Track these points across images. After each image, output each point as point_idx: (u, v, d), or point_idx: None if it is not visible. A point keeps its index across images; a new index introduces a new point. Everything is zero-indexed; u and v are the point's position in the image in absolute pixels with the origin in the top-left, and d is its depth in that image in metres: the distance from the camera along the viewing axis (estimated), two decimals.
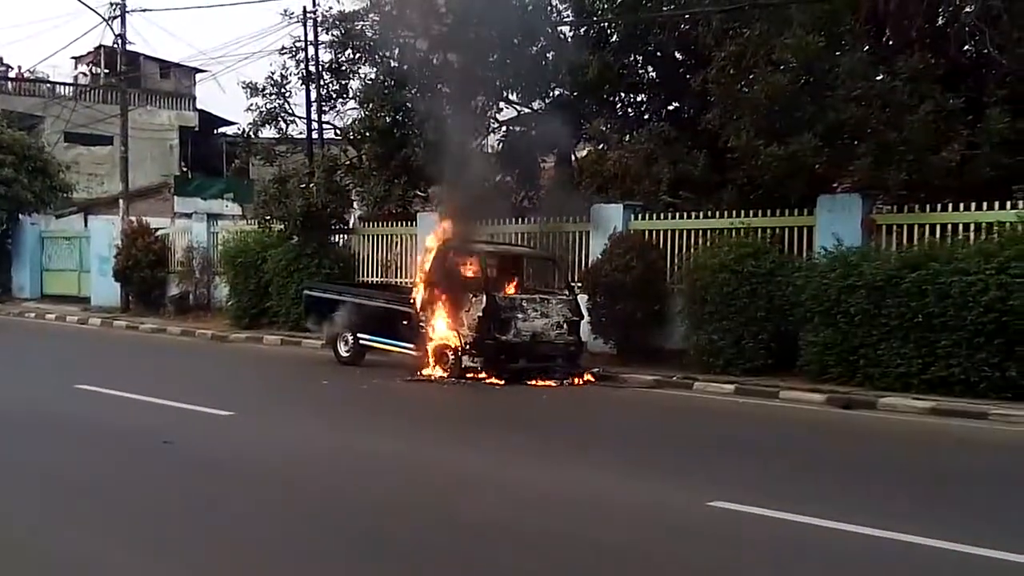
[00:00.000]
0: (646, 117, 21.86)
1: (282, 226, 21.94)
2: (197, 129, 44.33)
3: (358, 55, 25.48)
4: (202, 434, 10.80)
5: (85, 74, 45.15)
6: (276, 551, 6.50)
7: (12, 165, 31.47)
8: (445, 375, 15.37)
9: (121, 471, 8.97)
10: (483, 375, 15.12)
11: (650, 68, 22.13)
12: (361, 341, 16.79)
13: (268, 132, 27.44)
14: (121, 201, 29.36)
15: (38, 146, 34.12)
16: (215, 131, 44.23)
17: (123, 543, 6.68)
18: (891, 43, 17.54)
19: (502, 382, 14.84)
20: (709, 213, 17.17)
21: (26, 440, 10.28)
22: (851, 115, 15.42)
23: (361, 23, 25.08)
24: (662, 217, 17.75)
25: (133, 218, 27.75)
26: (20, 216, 32.10)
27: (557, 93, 22.08)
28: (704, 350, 15.65)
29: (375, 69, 24.81)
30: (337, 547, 6.60)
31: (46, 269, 32.21)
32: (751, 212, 16.35)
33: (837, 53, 16.13)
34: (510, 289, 16.14)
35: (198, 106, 45.27)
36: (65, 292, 30.67)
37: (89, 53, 42.50)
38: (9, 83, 42.48)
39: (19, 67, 43.45)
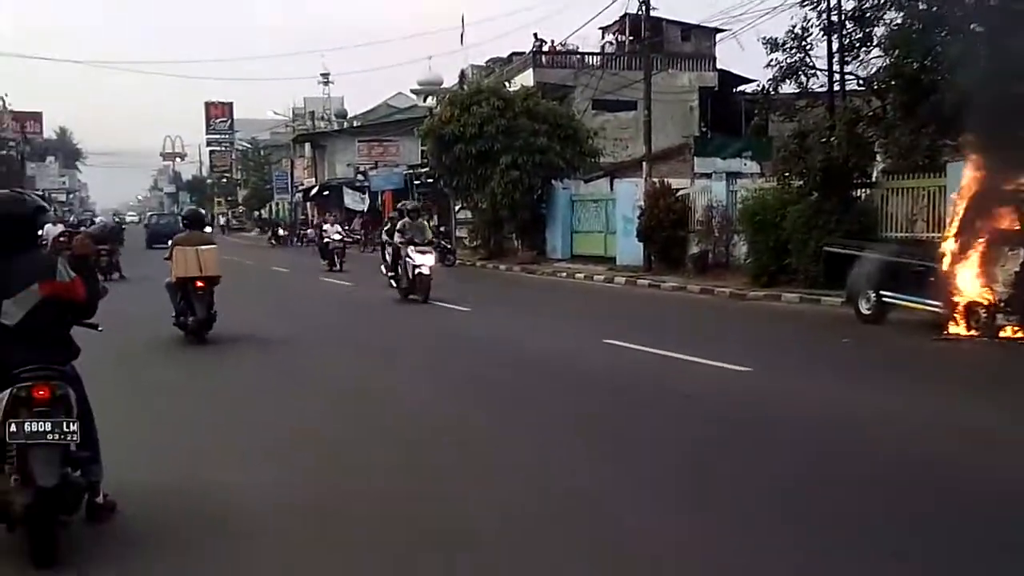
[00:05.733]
0: None
1: (801, 182, 21.48)
2: (716, 89, 44.65)
3: (883, 0, 24.29)
4: (721, 389, 10.82)
5: (611, 43, 47.07)
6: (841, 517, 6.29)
7: (546, 134, 33.67)
8: (976, 334, 14.23)
9: (644, 422, 9.25)
10: (1020, 335, 13.83)
11: None
12: (883, 299, 16.01)
13: (787, 87, 27.13)
14: (644, 164, 30.30)
15: (569, 114, 36.16)
16: (734, 90, 44.29)
17: (649, 493, 6.84)
18: None
19: None
20: None
21: (559, 389, 10.97)
22: None
23: None
24: None
25: (655, 180, 28.52)
26: (552, 182, 34.26)
27: None
28: None
29: (902, 13, 23.52)
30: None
31: (575, 231, 34.13)
32: None
33: None
34: None
35: (717, 66, 45.59)
36: (592, 252, 32.26)
37: (615, 22, 44.17)
38: (543, 56, 45.29)
39: (552, 41, 46.14)
